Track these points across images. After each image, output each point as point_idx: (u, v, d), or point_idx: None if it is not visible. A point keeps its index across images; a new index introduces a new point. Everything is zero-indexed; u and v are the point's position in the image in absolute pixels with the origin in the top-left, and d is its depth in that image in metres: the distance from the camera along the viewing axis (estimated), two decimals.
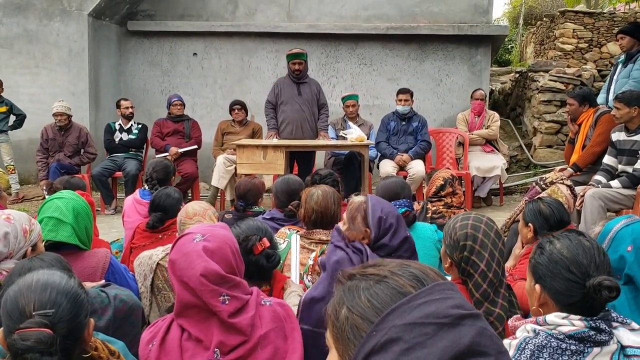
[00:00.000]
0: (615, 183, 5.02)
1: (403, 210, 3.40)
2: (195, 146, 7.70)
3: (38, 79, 8.57)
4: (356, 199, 2.47)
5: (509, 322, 1.82)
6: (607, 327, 1.61)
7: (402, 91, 7.35)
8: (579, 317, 1.63)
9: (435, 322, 0.84)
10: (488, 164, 7.42)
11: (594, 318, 1.63)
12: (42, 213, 2.66)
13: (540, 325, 1.65)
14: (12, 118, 7.98)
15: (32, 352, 1.41)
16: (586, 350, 1.58)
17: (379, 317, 0.88)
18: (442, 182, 3.92)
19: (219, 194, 7.51)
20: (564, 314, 1.65)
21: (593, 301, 1.66)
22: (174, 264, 1.83)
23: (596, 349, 1.58)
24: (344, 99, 7.64)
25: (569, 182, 3.91)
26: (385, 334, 0.85)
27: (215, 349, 1.72)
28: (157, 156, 7.16)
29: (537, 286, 1.77)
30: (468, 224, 2.26)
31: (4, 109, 7.84)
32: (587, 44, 10.78)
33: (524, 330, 1.69)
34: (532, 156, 9.36)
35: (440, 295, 0.89)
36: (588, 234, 1.94)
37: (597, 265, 1.71)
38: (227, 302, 1.77)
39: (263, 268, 2.42)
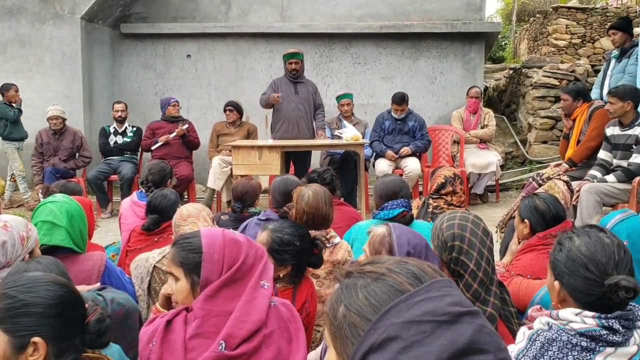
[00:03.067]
0: (610, 177, 5.03)
1: (401, 210, 3.38)
2: (187, 125, 7.69)
3: (32, 83, 8.53)
4: (378, 231, 2.30)
5: (529, 311, 1.80)
6: (620, 328, 1.57)
7: (396, 102, 7.24)
8: (592, 314, 1.60)
9: (434, 319, 0.84)
10: (483, 160, 7.44)
11: (608, 316, 1.59)
12: (36, 217, 2.64)
13: (554, 319, 1.64)
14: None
15: None
16: (598, 349, 1.55)
17: (377, 315, 0.87)
18: (443, 181, 3.92)
19: (215, 196, 7.51)
20: (578, 310, 1.62)
21: (611, 300, 1.62)
22: (235, 237, 1.85)
23: (609, 349, 1.55)
24: (338, 98, 7.64)
25: (565, 178, 3.90)
26: (384, 332, 0.85)
27: (221, 341, 1.69)
28: (152, 159, 7.15)
29: (557, 283, 1.74)
30: (454, 224, 2.25)
31: None
32: (580, 40, 10.81)
33: (539, 322, 1.68)
34: (527, 152, 9.38)
35: (438, 292, 0.88)
36: (609, 230, 1.87)
37: (617, 263, 1.66)
38: (266, 287, 1.80)
39: (314, 266, 2.60)
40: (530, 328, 1.68)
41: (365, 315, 0.89)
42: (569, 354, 1.57)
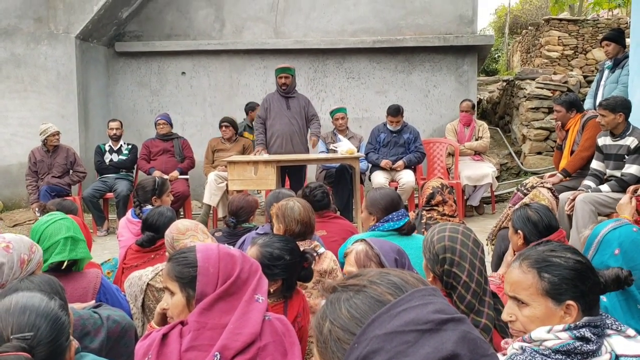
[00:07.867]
0: (604, 187, 5.04)
1: (407, 220, 3.38)
2: (187, 177, 7.71)
3: (27, 102, 8.54)
4: (358, 248, 2.39)
5: (502, 343, 1.79)
6: (592, 336, 1.56)
7: (391, 114, 7.29)
8: (562, 326, 1.59)
9: (416, 329, 0.83)
10: (478, 172, 7.46)
11: (577, 325, 1.59)
12: (54, 236, 2.66)
13: (527, 342, 1.63)
14: None
15: None
16: None
17: (360, 328, 0.87)
18: (431, 191, 3.94)
19: (211, 212, 7.50)
20: (548, 327, 1.61)
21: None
22: (230, 254, 1.87)
23: None
24: (332, 112, 7.67)
25: (549, 185, 3.95)
26: (367, 346, 0.84)
27: (216, 353, 1.70)
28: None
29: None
30: (445, 236, 2.26)
31: None
32: (572, 51, 10.91)
33: (512, 347, 1.66)
34: (522, 163, 9.41)
35: (420, 301, 0.87)
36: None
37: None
38: (260, 301, 1.81)
39: (304, 280, 2.58)
40: (504, 354, 1.66)
41: (348, 329, 0.89)
42: None
